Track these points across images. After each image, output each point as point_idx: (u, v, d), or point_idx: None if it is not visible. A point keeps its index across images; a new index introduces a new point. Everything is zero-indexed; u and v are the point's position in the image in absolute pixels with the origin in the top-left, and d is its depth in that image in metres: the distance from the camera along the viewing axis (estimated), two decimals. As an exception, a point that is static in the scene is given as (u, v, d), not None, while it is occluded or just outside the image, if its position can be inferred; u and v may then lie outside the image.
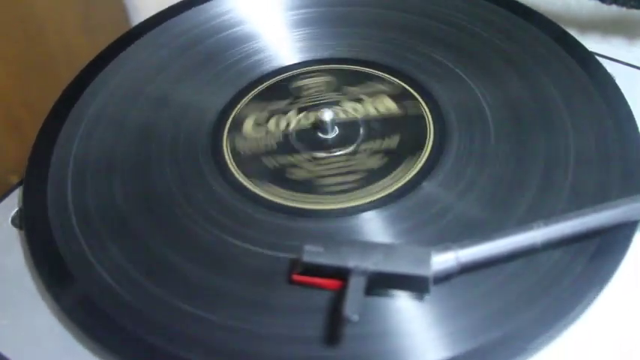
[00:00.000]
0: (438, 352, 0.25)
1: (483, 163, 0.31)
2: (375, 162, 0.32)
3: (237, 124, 0.35)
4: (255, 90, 0.36)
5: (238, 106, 0.36)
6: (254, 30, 0.39)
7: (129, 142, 0.34)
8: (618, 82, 0.34)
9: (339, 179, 0.32)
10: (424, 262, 0.25)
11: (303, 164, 0.33)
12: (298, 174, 0.32)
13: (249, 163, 0.33)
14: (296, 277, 0.26)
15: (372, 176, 0.32)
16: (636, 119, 0.32)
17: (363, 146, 0.33)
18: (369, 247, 0.26)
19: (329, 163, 0.33)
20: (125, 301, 0.28)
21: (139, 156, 0.33)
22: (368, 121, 0.34)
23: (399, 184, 0.31)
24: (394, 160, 0.32)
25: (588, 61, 0.35)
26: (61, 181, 0.32)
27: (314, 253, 0.25)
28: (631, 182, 0.30)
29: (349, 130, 0.34)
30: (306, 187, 0.32)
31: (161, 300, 0.27)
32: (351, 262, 0.25)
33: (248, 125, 0.34)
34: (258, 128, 0.34)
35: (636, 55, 0.44)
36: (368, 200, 0.31)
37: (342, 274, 0.25)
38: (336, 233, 0.29)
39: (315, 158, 0.33)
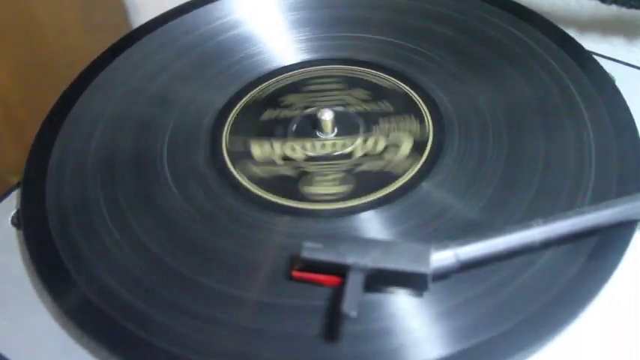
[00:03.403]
0: (437, 351, 0.25)
1: (483, 163, 0.31)
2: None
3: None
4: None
5: (238, 105, 0.36)
6: (253, 32, 0.39)
7: (128, 143, 0.34)
8: (618, 82, 0.34)
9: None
10: (423, 260, 0.25)
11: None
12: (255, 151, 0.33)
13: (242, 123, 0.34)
14: (295, 274, 0.26)
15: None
16: (635, 119, 0.32)
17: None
18: (369, 243, 0.26)
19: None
20: (124, 300, 0.28)
21: (138, 156, 0.33)
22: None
23: (399, 184, 0.31)
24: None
25: (587, 61, 0.35)
26: (60, 181, 0.32)
27: (313, 250, 0.26)
28: (630, 182, 0.30)
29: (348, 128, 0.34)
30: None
31: (160, 299, 0.27)
32: (350, 259, 0.25)
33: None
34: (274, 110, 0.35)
35: (636, 55, 0.44)
36: (367, 200, 0.31)
37: (341, 271, 0.25)
38: (336, 233, 0.29)
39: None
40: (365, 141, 0.34)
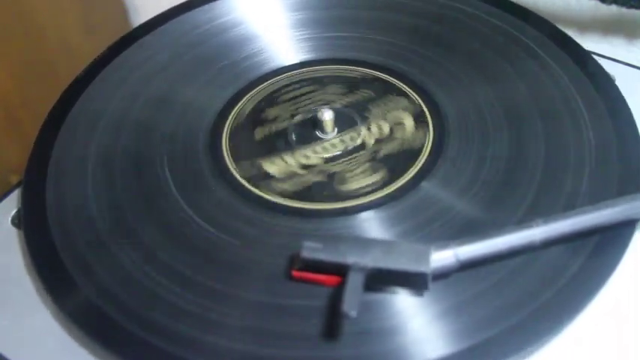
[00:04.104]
0: (438, 350, 0.25)
1: (483, 163, 0.31)
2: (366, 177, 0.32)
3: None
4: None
5: (238, 105, 0.36)
6: (254, 31, 0.39)
7: (128, 143, 0.34)
8: (618, 82, 0.34)
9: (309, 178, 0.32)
10: (423, 259, 0.25)
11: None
12: (270, 168, 0.32)
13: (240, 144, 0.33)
14: (295, 274, 0.27)
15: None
16: (635, 119, 0.32)
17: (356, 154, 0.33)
18: (368, 243, 0.26)
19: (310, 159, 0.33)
20: (124, 301, 0.28)
21: (138, 156, 0.33)
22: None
23: (399, 184, 0.31)
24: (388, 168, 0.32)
25: (587, 61, 0.35)
26: (60, 181, 0.32)
27: (313, 249, 0.26)
28: (630, 182, 0.30)
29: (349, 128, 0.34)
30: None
31: (161, 300, 0.27)
32: (350, 259, 0.25)
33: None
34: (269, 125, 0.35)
35: (636, 55, 0.44)
36: (368, 200, 0.31)
37: (341, 271, 0.25)
38: (336, 233, 0.29)
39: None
40: (369, 129, 0.34)
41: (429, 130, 0.33)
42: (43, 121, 0.35)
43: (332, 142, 0.34)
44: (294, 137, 0.34)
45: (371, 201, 0.30)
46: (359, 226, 0.30)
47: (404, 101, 0.35)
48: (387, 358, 0.25)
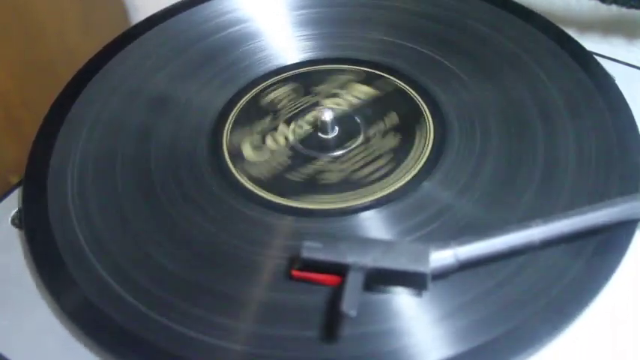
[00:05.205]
0: (438, 352, 0.25)
1: (483, 163, 0.31)
2: (391, 141, 0.33)
3: (237, 154, 0.33)
4: (235, 112, 0.36)
5: (237, 106, 0.36)
6: (253, 30, 0.39)
7: (128, 142, 0.34)
8: (618, 82, 0.34)
9: (372, 168, 0.32)
10: (423, 259, 0.25)
11: (328, 167, 0.33)
12: (330, 177, 0.32)
13: (276, 184, 0.32)
14: (295, 273, 0.26)
15: (400, 153, 0.32)
16: (636, 119, 0.32)
17: (371, 131, 0.34)
18: (368, 243, 0.26)
19: (352, 158, 0.33)
20: (125, 301, 0.28)
21: (138, 156, 0.33)
22: (358, 110, 0.35)
23: (399, 184, 0.31)
24: (406, 132, 0.33)
25: (588, 61, 0.35)
26: (60, 181, 0.32)
27: (313, 249, 0.26)
28: (630, 182, 0.30)
29: (347, 123, 0.34)
30: (345, 185, 0.31)
31: (161, 300, 0.27)
32: (349, 258, 0.25)
33: (248, 152, 0.33)
34: (260, 152, 0.33)
35: (636, 55, 0.44)
36: (368, 200, 0.31)
37: (340, 270, 0.25)
38: (336, 233, 0.29)
39: (336, 158, 0.33)
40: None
41: (429, 130, 0.33)
42: (43, 120, 0.35)
43: (336, 139, 0.34)
44: (300, 145, 0.34)
45: (371, 201, 0.30)
46: (359, 226, 0.30)
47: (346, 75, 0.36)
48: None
